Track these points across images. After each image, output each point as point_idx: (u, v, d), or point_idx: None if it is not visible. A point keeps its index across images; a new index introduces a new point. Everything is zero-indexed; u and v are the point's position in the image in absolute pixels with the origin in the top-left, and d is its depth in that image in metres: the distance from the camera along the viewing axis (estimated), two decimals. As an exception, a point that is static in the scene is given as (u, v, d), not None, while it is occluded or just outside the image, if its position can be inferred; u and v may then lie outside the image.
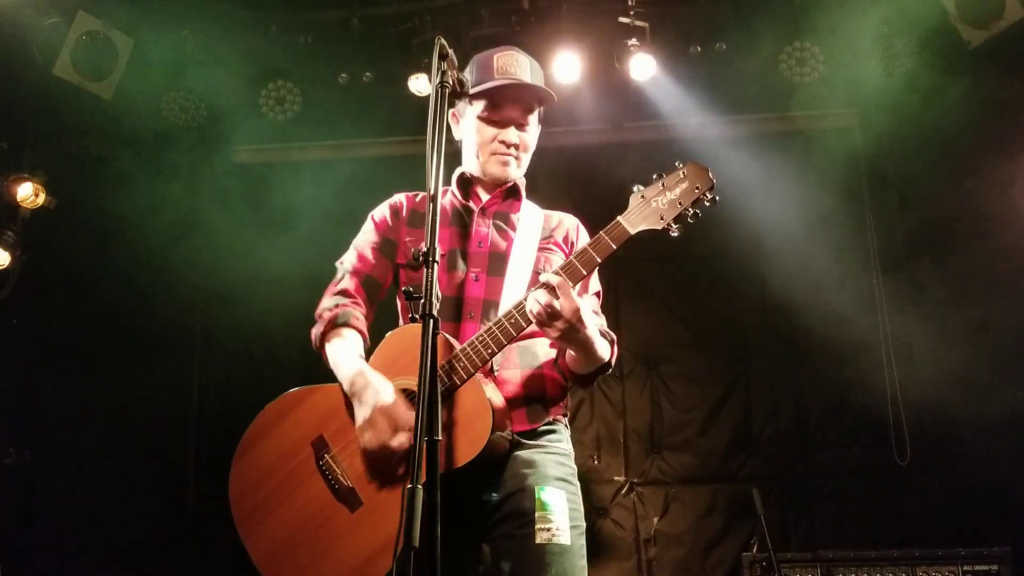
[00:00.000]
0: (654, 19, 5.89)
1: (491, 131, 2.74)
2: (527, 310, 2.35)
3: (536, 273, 2.64)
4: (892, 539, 5.46)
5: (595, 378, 2.66)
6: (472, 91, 2.71)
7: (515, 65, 2.74)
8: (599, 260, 2.40)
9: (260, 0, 5.93)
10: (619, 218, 2.43)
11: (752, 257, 6.25)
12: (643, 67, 5.76)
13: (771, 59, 5.92)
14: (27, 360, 6.06)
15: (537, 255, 2.70)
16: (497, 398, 2.43)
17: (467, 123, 2.81)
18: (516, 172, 2.81)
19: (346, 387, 2.50)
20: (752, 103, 6.26)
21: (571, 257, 2.41)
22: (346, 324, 2.67)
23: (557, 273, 2.36)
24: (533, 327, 2.40)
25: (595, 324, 2.48)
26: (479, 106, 2.74)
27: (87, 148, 6.07)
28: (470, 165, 2.85)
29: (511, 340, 2.39)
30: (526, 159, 2.84)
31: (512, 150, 2.75)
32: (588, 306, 2.40)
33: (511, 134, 2.74)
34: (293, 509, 2.47)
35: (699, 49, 5.96)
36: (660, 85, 6.00)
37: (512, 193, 2.84)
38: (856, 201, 6.23)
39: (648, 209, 2.43)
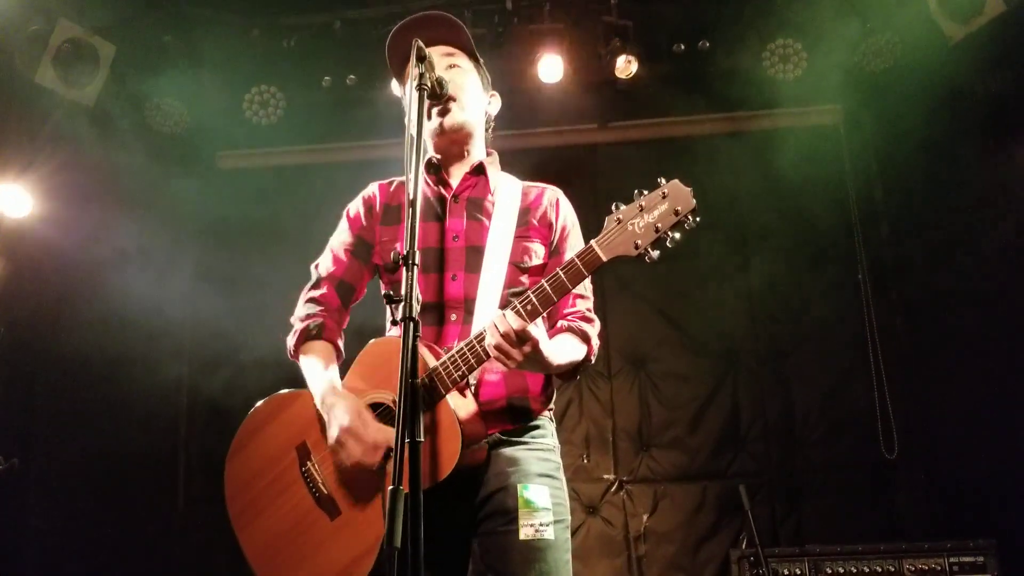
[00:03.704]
0: (637, 18, 5.91)
1: None
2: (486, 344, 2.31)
3: (512, 265, 2.63)
4: (880, 533, 5.49)
5: (577, 374, 2.68)
6: (390, 62, 2.76)
7: (412, 20, 2.72)
8: (570, 287, 2.32)
9: (242, 5, 5.92)
10: (592, 242, 2.30)
11: (738, 255, 6.29)
12: (626, 66, 5.77)
13: (754, 56, 5.94)
14: (15, 367, 6.04)
15: (513, 245, 2.66)
16: (466, 412, 2.41)
17: (408, 103, 2.68)
18: (460, 115, 2.71)
19: (318, 406, 2.54)
20: (736, 101, 6.27)
21: (543, 280, 2.31)
22: (318, 337, 2.70)
23: (516, 309, 2.29)
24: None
25: (555, 348, 2.45)
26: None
27: (70, 156, 6.04)
28: (431, 146, 2.80)
29: (481, 362, 2.37)
30: (466, 99, 2.74)
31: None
32: (544, 336, 2.34)
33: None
34: (280, 513, 2.56)
35: (683, 47, 5.97)
36: (644, 84, 6.02)
37: (479, 171, 2.80)
38: (841, 197, 6.26)
39: (623, 234, 2.27)
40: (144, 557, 5.98)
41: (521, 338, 2.23)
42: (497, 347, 2.25)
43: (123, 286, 6.14)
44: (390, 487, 1.85)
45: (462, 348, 2.36)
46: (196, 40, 5.87)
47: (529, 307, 2.30)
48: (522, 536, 2.42)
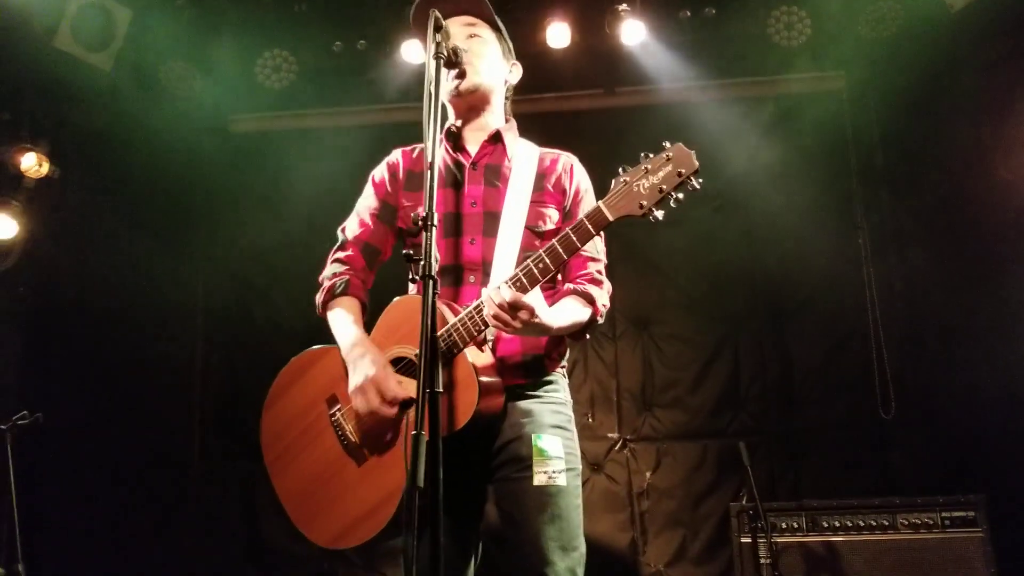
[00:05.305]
0: (644, -16, 5.95)
1: None
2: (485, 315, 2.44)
3: (528, 230, 2.74)
4: (876, 489, 5.62)
5: (585, 334, 2.80)
6: (415, 29, 2.80)
7: None
8: (579, 245, 2.44)
9: (254, -31, 5.98)
10: (599, 203, 2.42)
11: (740, 219, 6.37)
12: (633, 32, 5.81)
13: (759, 23, 5.97)
14: (35, 325, 6.20)
15: (529, 210, 2.77)
16: (484, 366, 2.53)
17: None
18: (475, 78, 2.80)
19: (344, 355, 2.67)
20: (741, 67, 6.33)
21: (553, 240, 2.45)
22: (344, 293, 2.83)
23: (516, 280, 2.43)
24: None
25: (555, 312, 2.57)
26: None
27: (88, 119, 6.15)
28: (452, 112, 2.92)
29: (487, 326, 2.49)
30: (482, 66, 2.82)
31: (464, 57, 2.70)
32: (540, 302, 2.47)
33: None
34: (311, 459, 2.72)
35: (688, 14, 6.00)
36: (650, 50, 6.05)
37: (496, 139, 2.90)
38: (843, 163, 6.34)
39: (629, 195, 2.38)
40: (160, 510, 6.18)
41: (515, 307, 2.37)
42: (495, 317, 2.39)
43: (138, 246, 6.29)
44: (412, 432, 2.02)
45: (471, 312, 2.48)
46: (209, 4, 5.93)
47: (529, 276, 2.43)
48: (536, 482, 2.57)
